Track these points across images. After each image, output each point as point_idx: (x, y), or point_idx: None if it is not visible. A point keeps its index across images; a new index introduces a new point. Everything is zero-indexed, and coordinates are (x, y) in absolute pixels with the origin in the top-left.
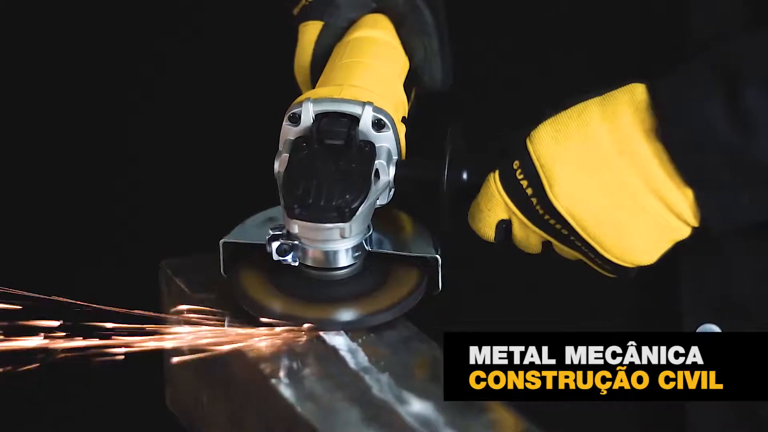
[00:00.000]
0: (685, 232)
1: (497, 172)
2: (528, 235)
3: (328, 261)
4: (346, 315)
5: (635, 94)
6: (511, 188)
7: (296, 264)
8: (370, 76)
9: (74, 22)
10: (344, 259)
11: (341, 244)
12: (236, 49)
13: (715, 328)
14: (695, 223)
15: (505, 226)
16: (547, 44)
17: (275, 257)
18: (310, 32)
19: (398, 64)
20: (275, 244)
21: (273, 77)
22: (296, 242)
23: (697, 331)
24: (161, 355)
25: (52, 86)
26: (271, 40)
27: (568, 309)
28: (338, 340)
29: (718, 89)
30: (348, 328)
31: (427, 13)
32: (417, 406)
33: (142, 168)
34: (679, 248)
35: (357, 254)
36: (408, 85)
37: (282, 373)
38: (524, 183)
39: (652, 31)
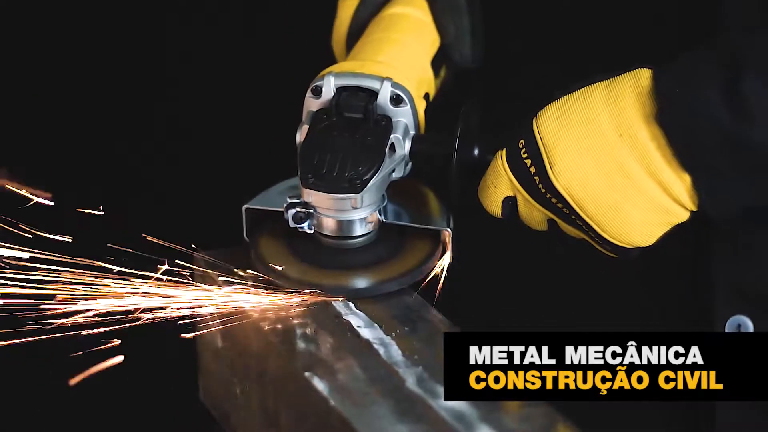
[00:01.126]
0: (682, 216)
1: (504, 150)
2: (532, 212)
3: (342, 230)
4: (354, 282)
5: (640, 79)
6: (516, 166)
7: (312, 232)
8: (397, 52)
9: (79, 23)
10: (358, 229)
11: (354, 213)
12: (252, 32)
13: (746, 320)
14: (693, 207)
15: (511, 203)
16: (571, 25)
17: (291, 224)
18: (348, 7)
19: (427, 41)
20: (292, 212)
21: (292, 66)
22: (311, 211)
23: (728, 322)
24: (195, 346)
25: (72, 84)
26: (295, 16)
27: (589, 307)
28: (371, 333)
29: (719, 77)
30: (355, 296)
31: None
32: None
33: (173, 162)
34: (709, 239)
35: (371, 224)
36: (439, 62)
37: (316, 366)
38: (528, 162)
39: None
